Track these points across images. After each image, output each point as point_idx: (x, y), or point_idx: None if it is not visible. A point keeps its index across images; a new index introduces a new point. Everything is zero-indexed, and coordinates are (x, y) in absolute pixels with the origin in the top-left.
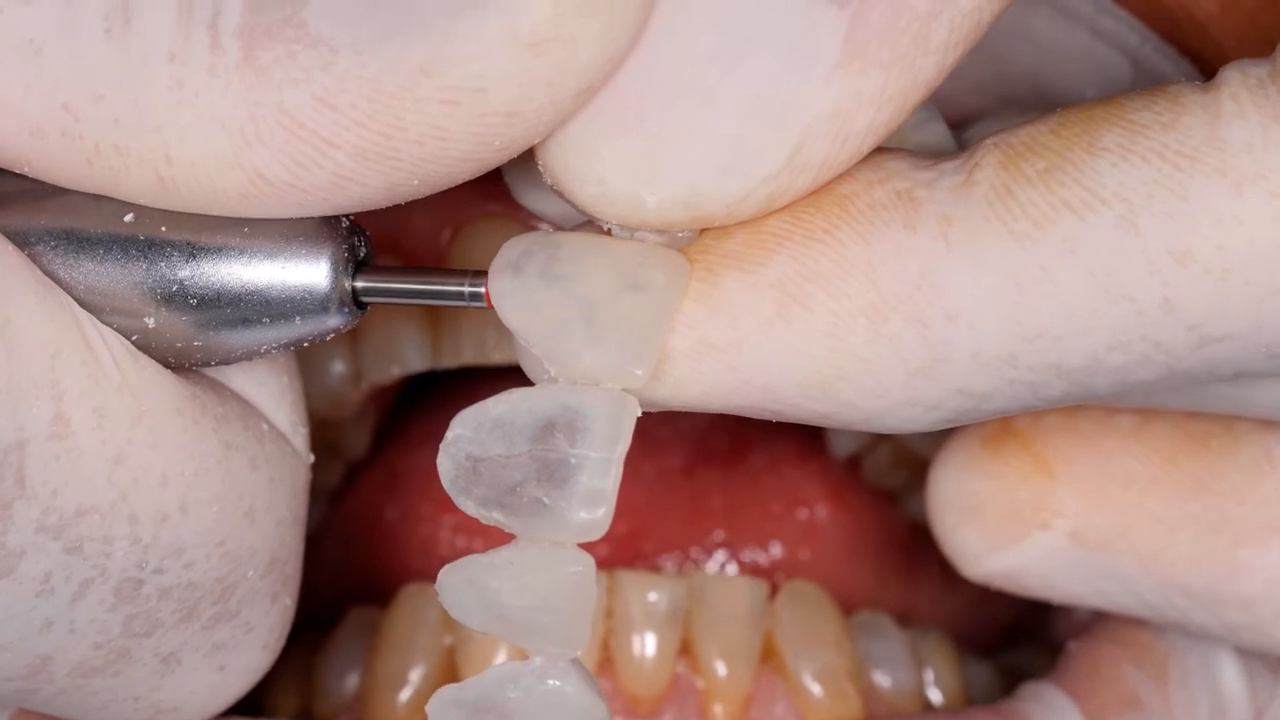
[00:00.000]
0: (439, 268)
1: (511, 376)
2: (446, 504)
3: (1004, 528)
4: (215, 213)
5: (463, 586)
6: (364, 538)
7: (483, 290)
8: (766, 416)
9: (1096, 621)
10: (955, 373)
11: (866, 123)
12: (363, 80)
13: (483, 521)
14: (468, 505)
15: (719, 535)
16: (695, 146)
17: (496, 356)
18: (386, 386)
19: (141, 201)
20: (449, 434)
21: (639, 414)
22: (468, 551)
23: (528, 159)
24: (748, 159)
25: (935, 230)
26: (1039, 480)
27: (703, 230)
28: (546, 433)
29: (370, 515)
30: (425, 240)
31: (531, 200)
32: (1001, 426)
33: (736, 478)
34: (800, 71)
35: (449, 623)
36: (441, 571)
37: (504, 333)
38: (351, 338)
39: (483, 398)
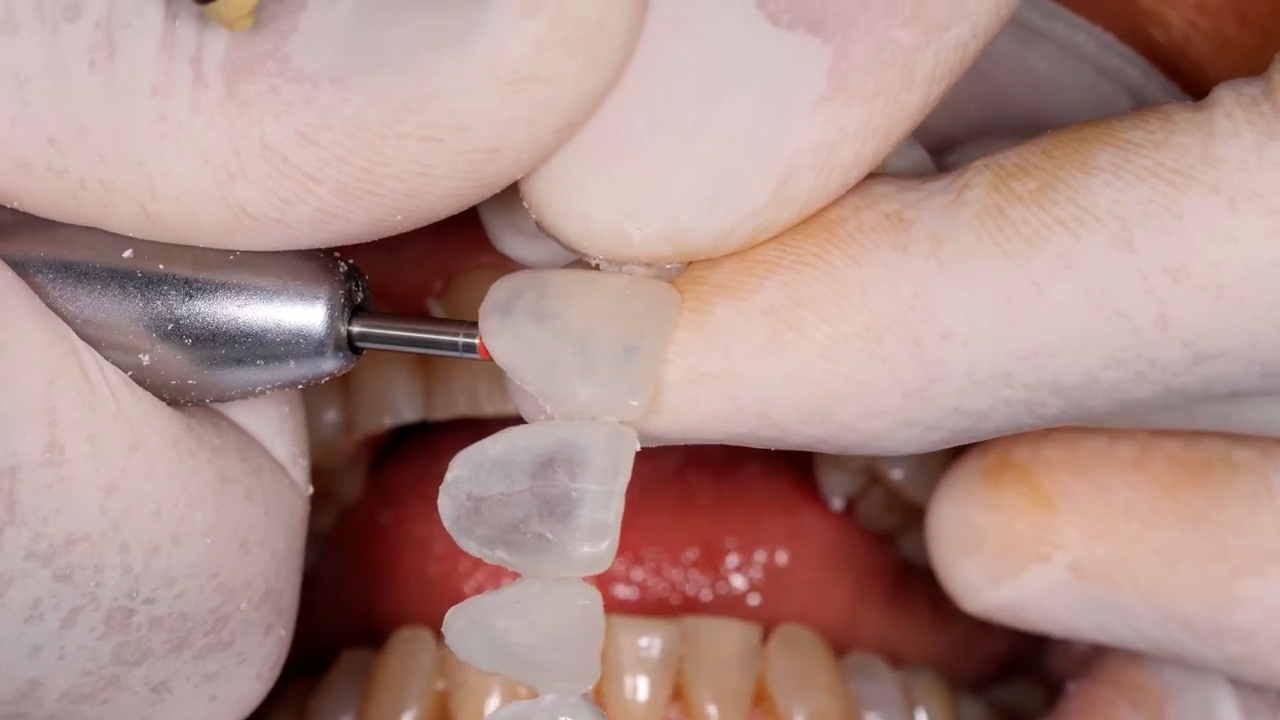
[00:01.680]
0: (435, 317)
1: (504, 426)
2: (439, 546)
3: (1004, 561)
4: (201, 244)
5: (469, 628)
6: (357, 580)
7: (477, 341)
8: (765, 444)
9: (1094, 660)
10: (951, 392)
11: (852, 156)
12: (344, 115)
13: (486, 561)
14: (470, 545)
15: (705, 534)
16: (679, 181)
17: (488, 408)
18: (378, 434)
19: (129, 234)
20: (448, 475)
21: (637, 446)
22: (462, 592)
23: (511, 205)
24: (732, 193)
25: (926, 250)
26: (1038, 513)
27: (690, 262)
28: (546, 469)
29: (363, 558)
30: (415, 293)
31: (513, 247)
32: (1000, 459)
33: (727, 480)
34: (784, 105)
35: (442, 667)
36: (447, 614)
37: (495, 384)
38: (344, 387)
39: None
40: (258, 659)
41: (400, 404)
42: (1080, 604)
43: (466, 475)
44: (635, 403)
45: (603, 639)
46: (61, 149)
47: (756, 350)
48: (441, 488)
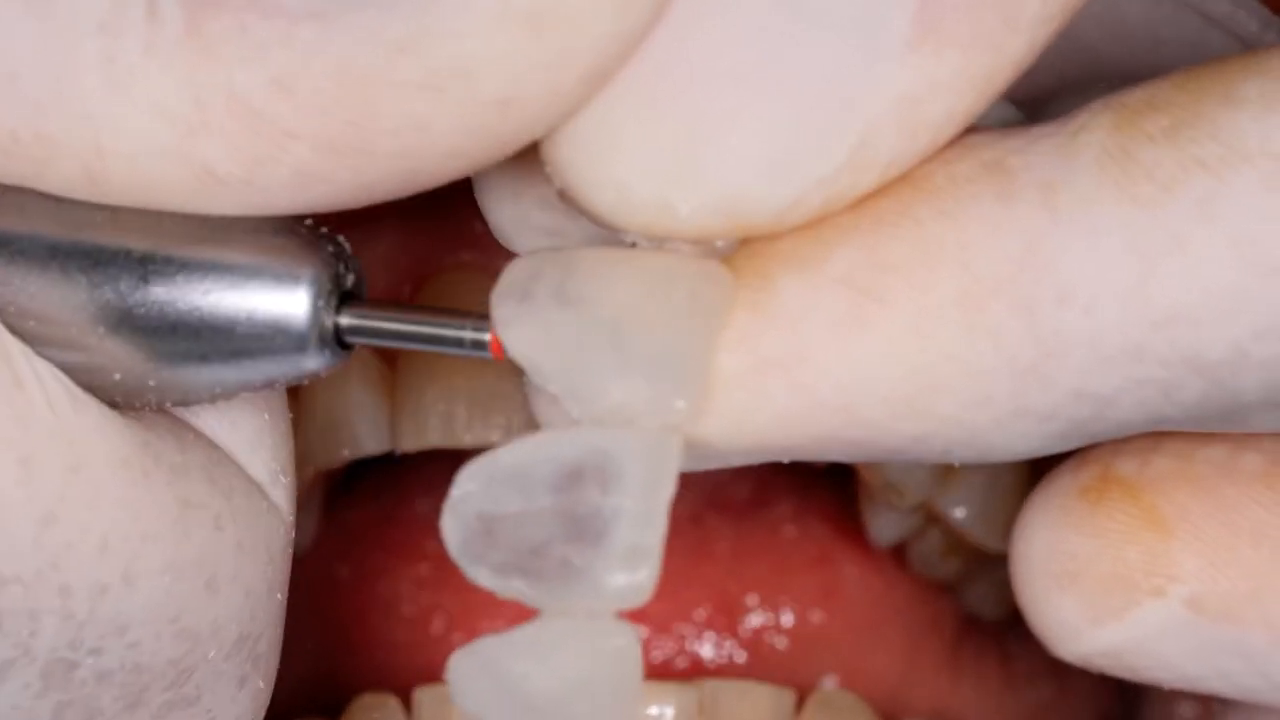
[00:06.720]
0: (438, 308)
1: None
2: (406, 599)
3: (1109, 595)
4: (160, 208)
5: (477, 674)
6: (309, 640)
7: (488, 337)
8: (847, 454)
9: (1207, 717)
10: (1071, 370)
11: (944, 112)
12: (327, 59)
13: (499, 595)
14: (481, 575)
15: (723, 589)
16: (736, 141)
17: (468, 438)
18: (334, 470)
19: (71, 195)
20: (454, 491)
21: (681, 456)
22: (429, 652)
23: (525, 181)
24: (801, 155)
25: (1036, 199)
26: (1150, 537)
27: (745, 240)
28: (573, 482)
29: (317, 615)
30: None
31: (523, 239)
32: (1102, 474)
33: (751, 526)
34: (864, 51)
35: None
36: (452, 657)
37: (477, 409)
38: (293, 409)
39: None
40: (230, 716)
41: (362, 433)
42: (1199, 646)
43: (476, 490)
44: (680, 404)
45: (641, 688)
46: None
47: (832, 328)
48: (446, 506)
